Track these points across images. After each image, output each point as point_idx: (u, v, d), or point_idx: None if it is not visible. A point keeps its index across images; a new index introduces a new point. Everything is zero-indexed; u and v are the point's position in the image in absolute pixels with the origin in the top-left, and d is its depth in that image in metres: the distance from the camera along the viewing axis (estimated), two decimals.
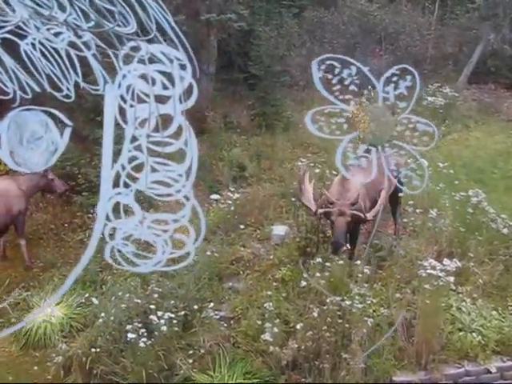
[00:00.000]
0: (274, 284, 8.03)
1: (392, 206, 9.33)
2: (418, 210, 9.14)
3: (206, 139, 13.14)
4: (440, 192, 9.96)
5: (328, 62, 4.04)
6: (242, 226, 9.58)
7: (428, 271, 7.19)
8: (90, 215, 9.47)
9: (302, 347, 6.85)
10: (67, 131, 3.16)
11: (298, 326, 7.02)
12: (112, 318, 7.20)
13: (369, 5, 18.29)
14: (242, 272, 8.59)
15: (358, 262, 7.76)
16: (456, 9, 18.81)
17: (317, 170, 10.27)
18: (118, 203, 3.32)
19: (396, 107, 4.27)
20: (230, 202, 9.97)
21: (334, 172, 9.88)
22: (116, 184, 3.27)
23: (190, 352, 7.07)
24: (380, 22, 17.80)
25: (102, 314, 7.29)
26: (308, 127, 4.18)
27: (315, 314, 7.06)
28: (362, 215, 7.73)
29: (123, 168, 3.24)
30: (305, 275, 7.59)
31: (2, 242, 9.25)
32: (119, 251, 3.41)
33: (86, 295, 8.05)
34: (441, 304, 7.37)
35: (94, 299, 7.76)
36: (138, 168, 3.26)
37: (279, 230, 9.38)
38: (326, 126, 4.27)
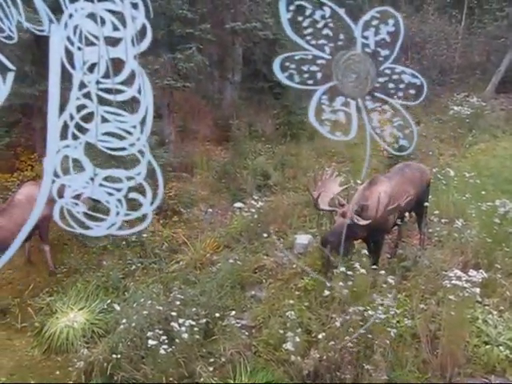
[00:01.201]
0: (297, 293, 7.97)
1: (417, 216, 9.22)
2: (443, 220, 9.03)
3: (231, 147, 13.22)
4: (466, 202, 9.83)
5: (297, 3, 3.67)
6: (265, 235, 9.56)
7: (453, 282, 7.02)
8: None
9: (324, 357, 6.75)
10: (10, 76, 2.89)
11: (320, 336, 6.93)
12: (133, 324, 7.21)
13: None
14: (264, 280, 8.57)
15: (383, 272, 7.65)
16: (484, 17, 18.59)
17: (342, 179, 10.19)
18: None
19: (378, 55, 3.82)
20: (254, 210, 9.97)
21: (359, 182, 9.81)
22: (64, 136, 2.93)
23: (211, 360, 7.05)
24: (406, 31, 17.65)
25: (124, 321, 7.31)
26: (276, 75, 3.78)
27: (338, 324, 6.98)
28: (356, 220, 7.69)
29: (71, 118, 2.92)
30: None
31: (27, 247, 9.33)
32: (69, 212, 3.06)
33: (109, 301, 8.14)
34: (466, 316, 7.21)
35: (116, 305, 7.81)
36: (88, 118, 2.94)
37: (302, 238, 9.35)
38: (297, 74, 3.85)
